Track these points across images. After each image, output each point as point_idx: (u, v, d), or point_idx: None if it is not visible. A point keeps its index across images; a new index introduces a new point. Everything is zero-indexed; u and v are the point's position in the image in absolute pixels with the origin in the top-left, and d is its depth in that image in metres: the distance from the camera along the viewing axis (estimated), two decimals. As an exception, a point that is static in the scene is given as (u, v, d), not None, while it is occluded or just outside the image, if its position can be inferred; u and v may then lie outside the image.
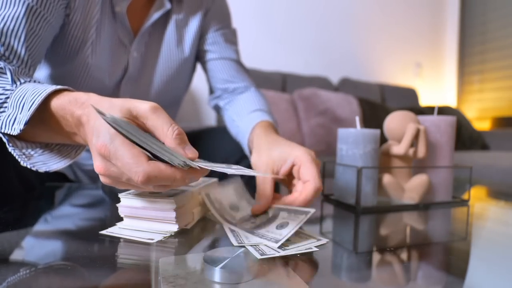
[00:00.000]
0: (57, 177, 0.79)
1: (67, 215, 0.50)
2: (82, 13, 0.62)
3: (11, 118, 0.42)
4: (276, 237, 0.35)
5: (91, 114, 0.36)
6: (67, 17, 0.61)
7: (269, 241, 0.35)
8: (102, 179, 0.35)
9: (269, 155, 0.51)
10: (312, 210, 0.39)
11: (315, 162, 0.47)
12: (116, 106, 0.35)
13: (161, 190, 0.35)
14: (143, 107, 0.34)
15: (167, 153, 0.32)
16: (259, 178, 0.48)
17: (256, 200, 0.47)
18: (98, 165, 0.33)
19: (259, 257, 0.31)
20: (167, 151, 0.32)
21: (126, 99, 0.36)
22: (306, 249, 0.35)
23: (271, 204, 0.46)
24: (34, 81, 0.47)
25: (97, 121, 0.34)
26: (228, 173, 0.33)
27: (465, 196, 0.65)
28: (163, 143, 0.34)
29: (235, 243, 0.36)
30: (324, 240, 0.37)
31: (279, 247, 0.34)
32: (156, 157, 0.32)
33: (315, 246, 0.36)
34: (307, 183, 0.45)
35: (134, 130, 0.32)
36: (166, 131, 0.33)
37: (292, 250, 0.34)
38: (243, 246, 0.35)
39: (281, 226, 0.37)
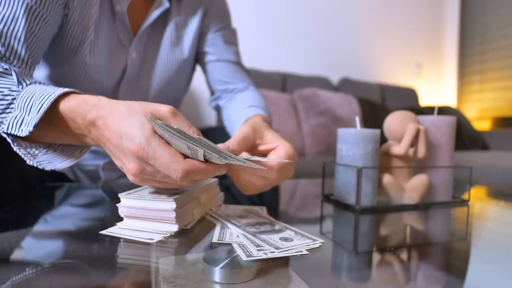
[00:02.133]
0: (57, 177, 0.79)
1: (67, 215, 0.50)
2: (81, 12, 0.62)
3: (18, 120, 0.42)
4: (277, 245, 0.35)
5: (108, 117, 0.37)
6: (65, 17, 0.61)
7: (270, 246, 0.34)
8: (132, 178, 0.37)
9: (254, 129, 0.48)
10: (320, 240, 0.37)
11: (293, 155, 0.45)
12: (137, 110, 0.37)
13: (193, 184, 0.38)
14: (164, 110, 0.37)
15: (214, 152, 0.34)
16: (238, 132, 0.46)
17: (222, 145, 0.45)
18: (133, 166, 0.35)
19: (245, 258, 0.30)
20: (213, 150, 0.35)
21: (142, 102, 0.38)
22: (295, 252, 0.33)
23: (241, 149, 0.44)
24: (40, 83, 0.47)
25: (123, 125, 0.36)
26: (246, 164, 0.35)
27: (465, 196, 0.65)
28: (212, 144, 0.36)
29: (214, 239, 0.36)
30: (317, 243, 0.36)
31: (264, 252, 0.32)
32: (188, 156, 0.35)
33: (306, 250, 0.34)
34: (278, 148, 0.44)
35: (180, 132, 0.34)
36: (189, 132, 0.36)
37: (282, 252, 0.33)
38: (222, 244, 0.35)
39: (284, 239, 0.37)
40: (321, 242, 0.36)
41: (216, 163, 0.36)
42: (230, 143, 0.43)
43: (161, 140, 0.34)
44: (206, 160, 0.35)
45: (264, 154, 0.47)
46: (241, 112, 0.71)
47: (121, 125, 0.36)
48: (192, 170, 0.34)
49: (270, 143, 0.46)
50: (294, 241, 0.36)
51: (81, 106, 0.40)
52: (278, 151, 0.44)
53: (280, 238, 0.37)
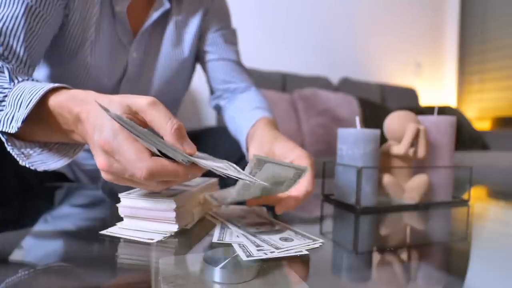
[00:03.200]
0: (57, 177, 0.79)
1: (67, 215, 0.50)
2: (81, 13, 0.62)
3: (9, 116, 0.42)
4: (277, 245, 0.35)
5: (91, 111, 0.36)
6: (66, 17, 0.61)
7: (270, 246, 0.34)
8: (104, 175, 0.35)
9: (271, 149, 0.50)
10: (320, 240, 0.37)
11: (313, 168, 0.46)
12: (116, 102, 0.35)
13: (164, 187, 0.35)
14: (142, 102, 0.34)
15: (171, 149, 0.32)
16: None
17: None
18: (100, 161, 0.33)
19: (244, 258, 0.30)
20: (170, 147, 0.32)
21: (124, 95, 0.36)
22: (295, 252, 0.33)
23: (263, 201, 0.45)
24: (32, 80, 0.47)
25: (98, 117, 0.34)
26: (227, 175, 0.33)
27: (465, 196, 0.65)
28: (168, 141, 0.33)
29: (214, 239, 0.36)
30: (317, 243, 0.36)
31: (264, 252, 0.32)
32: (160, 154, 0.32)
33: (306, 250, 0.34)
34: (299, 185, 0.45)
35: (137, 127, 0.32)
36: (165, 125, 0.33)
37: (282, 252, 0.32)
38: (223, 244, 0.35)
39: (285, 239, 0.37)
40: (321, 242, 0.36)
41: (187, 166, 0.33)
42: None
43: (129, 134, 0.32)
44: (176, 161, 0.32)
45: None
46: (247, 114, 0.71)
47: (97, 117, 0.34)
48: (158, 170, 0.31)
49: None
50: (294, 241, 0.36)
51: (69, 101, 0.39)
52: (299, 187, 0.45)
53: (280, 238, 0.37)
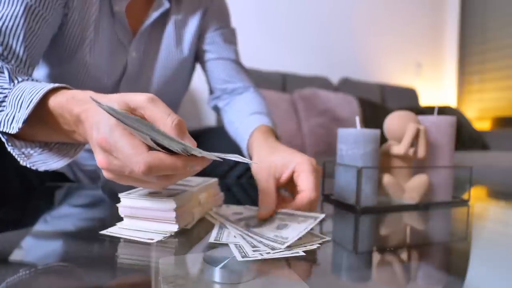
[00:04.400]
0: (57, 177, 0.79)
1: (67, 215, 0.50)
2: (80, 12, 0.62)
3: (9, 117, 0.42)
4: (279, 239, 0.34)
5: (90, 110, 0.35)
6: (65, 17, 0.61)
7: (274, 243, 0.34)
8: (105, 174, 0.34)
9: (270, 161, 0.50)
10: (321, 215, 0.37)
11: (315, 171, 0.46)
12: (114, 101, 0.34)
13: (164, 183, 0.34)
14: (140, 98, 0.34)
15: (166, 138, 0.31)
16: (262, 181, 0.48)
17: (260, 202, 0.46)
18: (100, 159, 0.33)
19: (240, 259, 0.30)
20: (165, 135, 0.31)
21: (123, 93, 0.36)
22: (292, 254, 0.33)
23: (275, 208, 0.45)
24: (32, 80, 0.47)
25: (96, 115, 0.34)
26: (227, 157, 0.32)
27: (465, 196, 0.65)
28: (162, 131, 0.33)
29: (211, 239, 0.36)
30: (315, 245, 0.36)
31: (260, 253, 0.32)
32: (157, 148, 0.32)
33: (303, 251, 0.34)
34: (301, 193, 0.45)
35: (132, 119, 0.31)
36: (165, 121, 0.33)
37: (278, 253, 0.32)
38: (220, 244, 0.35)
39: (280, 228, 0.37)
40: (318, 245, 0.36)
41: (185, 157, 0.32)
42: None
43: (125, 130, 0.31)
44: (174, 153, 0.31)
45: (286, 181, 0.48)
46: (245, 120, 0.70)
47: (96, 116, 0.34)
48: (156, 163, 0.30)
49: (300, 189, 0.47)
50: (292, 227, 0.36)
51: (69, 102, 0.39)
52: (302, 195, 0.45)
53: (277, 228, 0.37)
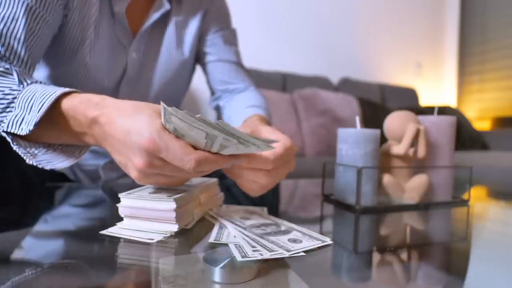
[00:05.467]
0: (57, 177, 0.79)
1: (67, 215, 0.50)
2: (80, 12, 0.62)
3: (18, 118, 0.42)
4: (287, 246, 0.35)
5: (113, 114, 0.38)
6: (65, 17, 0.62)
7: (280, 248, 0.34)
8: (136, 174, 0.37)
9: (251, 130, 0.49)
10: (328, 240, 0.37)
11: (291, 147, 0.45)
12: (144, 108, 0.37)
13: (200, 175, 0.39)
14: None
15: (232, 136, 0.34)
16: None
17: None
18: (140, 161, 0.35)
19: (240, 259, 0.30)
20: (231, 133, 0.35)
21: (146, 103, 0.39)
22: (292, 254, 0.33)
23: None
24: (40, 82, 0.47)
25: (132, 121, 0.36)
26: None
27: (465, 196, 0.65)
28: (228, 125, 0.35)
29: (211, 239, 0.36)
30: (326, 243, 0.36)
31: (260, 253, 0.32)
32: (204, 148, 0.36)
33: (303, 251, 0.34)
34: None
35: (201, 119, 0.34)
36: None
37: (277, 254, 0.32)
38: (219, 244, 0.35)
39: (293, 241, 0.37)
40: (330, 242, 0.36)
41: (225, 155, 0.37)
42: None
43: (171, 134, 0.35)
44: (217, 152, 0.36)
45: None
46: (241, 112, 0.71)
47: (129, 120, 0.36)
48: (203, 160, 0.35)
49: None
50: (303, 243, 0.36)
51: (83, 104, 0.40)
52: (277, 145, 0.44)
53: (289, 240, 0.37)
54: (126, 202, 0.40)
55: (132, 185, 0.51)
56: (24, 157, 0.43)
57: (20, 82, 0.45)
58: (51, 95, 0.41)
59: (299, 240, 0.37)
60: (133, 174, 0.38)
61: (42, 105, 0.41)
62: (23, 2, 0.52)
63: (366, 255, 0.38)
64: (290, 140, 0.45)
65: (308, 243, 0.36)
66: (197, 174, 0.38)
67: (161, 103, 0.35)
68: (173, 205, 0.38)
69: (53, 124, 0.43)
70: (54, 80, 0.69)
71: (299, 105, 1.99)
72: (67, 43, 0.64)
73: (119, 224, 0.41)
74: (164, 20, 0.74)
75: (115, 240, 0.37)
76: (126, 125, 0.36)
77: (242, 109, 0.73)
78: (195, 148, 0.36)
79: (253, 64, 2.02)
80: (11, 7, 0.52)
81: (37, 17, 0.54)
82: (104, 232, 0.38)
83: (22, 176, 0.64)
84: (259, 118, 0.64)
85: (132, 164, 0.37)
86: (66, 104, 0.41)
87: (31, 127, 0.41)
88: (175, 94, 0.82)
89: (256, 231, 0.39)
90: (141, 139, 0.35)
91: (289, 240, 0.37)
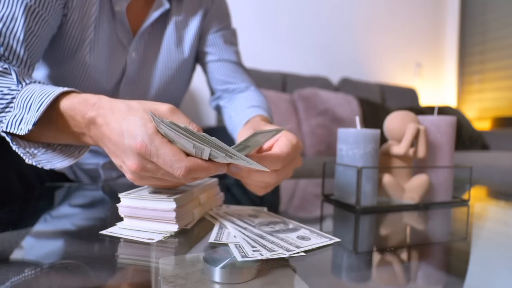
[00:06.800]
0: (57, 177, 0.79)
1: (67, 215, 0.50)
2: (80, 12, 0.62)
3: (17, 118, 0.42)
4: (297, 244, 0.35)
5: (108, 116, 0.38)
6: (64, 17, 0.62)
7: (289, 245, 0.34)
8: (131, 176, 0.37)
9: (255, 130, 0.48)
10: (335, 239, 0.38)
11: (297, 143, 0.45)
12: (137, 108, 0.37)
13: (193, 181, 0.39)
14: (163, 109, 0.38)
15: (219, 149, 0.34)
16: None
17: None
18: (133, 163, 0.35)
19: (240, 259, 0.30)
20: (218, 146, 0.35)
21: (141, 101, 0.38)
22: (292, 254, 0.33)
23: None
24: (39, 82, 0.47)
25: (125, 122, 0.36)
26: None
27: (465, 196, 0.65)
28: (215, 139, 0.35)
29: (211, 239, 0.36)
30: (333, 241, 0.37)
31: (259, 252, 0.32)
32: (195, 155, 0.36)
33: (303, 251, 0.33)
34: (280, 139, 0.44)
35: (187, 131, 0.34)
36: None
37: (276, 254, 0.32)
38: (219, 244, 0.35)
39: (302, 238, 0.37)
40: (337, 240, 0.37)
41: (217, 162, 0.36)
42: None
43: (163, 138, 0.35)
44: (209, 158, 0.36)
45: (268, 148, 0.46)
46: (242, 113, 0.71)
47: (122, 122, 0.36)
48: (194, 168, 0.34)
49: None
50: (312, 240, 0.36)
51: (81, 104, 0.40)
52: (281, 141, 0.44)
53: (298, 237, 0.37)
54: (126, 202, 0.40)
55: (132, 185, 0.51)
56: (24, 157, 0.43)
57: (19, 82, 0.45)
58: (49, 94, 0.41)
59: (307, 237, 0.37)
60: (128, 175, 0.38)
61: (41, 104, 0.41)
62: (23, 2, 0.52)
63: (366, 255, 0.38)
64: (295, 138, 0.45)
65: (317, 240, 0.36)
66: (190, 180, 0.38)
67: (149, 112, 0.35)
68: (173, 205, 0.38)
69: (52, 124, 0.43)
70: (54, 79, 0.69)
71: (299, 105, 1.99)
72: (67, 43, 0.64)
73: (119, 224, 0.41)
74: (164, 19, 0.74)
75: (115, 240, 0.37)
76: (119, 128, 0.36)
77: (243, 109, 0.73)
78: (188, 154, 0.35)
79: (253, 64, 2.02)
80: (10, 6, 0.52)
81: (36, 16, 0.54)
82: (104, 232, 0.38)
83: (21, 176, 0.64)
84: (262, 119, 0.64)
85: (126, 166, 0.37)
86: (64, 104, 0.41)
87: (30, 127, 0.41)
88: (175, 93, 0.82)
89: (265, 228, 0.40)
90: (133, 142, 0.34)
91: (298, 237, 0.37)
